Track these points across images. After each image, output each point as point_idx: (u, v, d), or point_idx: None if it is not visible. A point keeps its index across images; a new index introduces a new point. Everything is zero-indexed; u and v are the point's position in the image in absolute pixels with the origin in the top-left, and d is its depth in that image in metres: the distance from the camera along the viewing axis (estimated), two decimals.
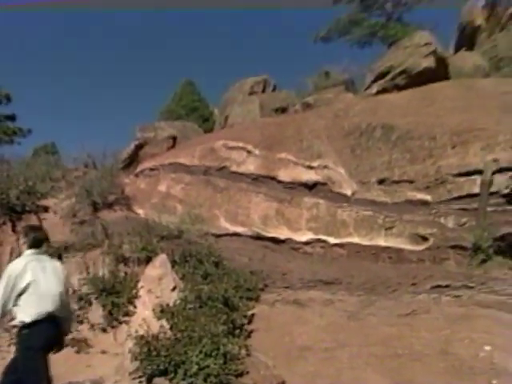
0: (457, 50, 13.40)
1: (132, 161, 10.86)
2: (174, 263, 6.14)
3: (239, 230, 7.75)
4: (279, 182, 8.25)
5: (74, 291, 5.90)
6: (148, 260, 6.22)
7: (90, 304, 5.97)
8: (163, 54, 76.68)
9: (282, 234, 7.62)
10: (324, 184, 7.96)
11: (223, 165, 8.74)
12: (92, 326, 5.68)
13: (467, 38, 13.46)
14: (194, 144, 9.90)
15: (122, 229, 6.89)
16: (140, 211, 8.89)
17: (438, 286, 5.51)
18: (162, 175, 9.35)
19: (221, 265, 6.42)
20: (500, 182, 6.28)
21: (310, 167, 8.14)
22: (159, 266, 5.81)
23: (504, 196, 6.24)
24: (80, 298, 5.98)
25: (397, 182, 7.56)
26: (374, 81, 10.24)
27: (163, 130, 11.23)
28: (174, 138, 11.10)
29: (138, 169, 10.33)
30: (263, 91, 13.11)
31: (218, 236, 7.60)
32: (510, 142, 6.71)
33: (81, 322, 5.72)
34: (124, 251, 6.33)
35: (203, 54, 75.54)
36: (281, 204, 7.98)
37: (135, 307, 5.61)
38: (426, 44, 10.06)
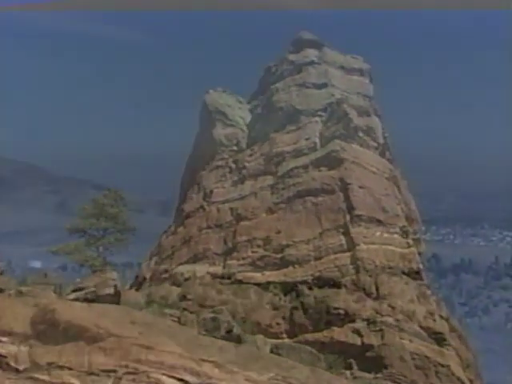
0: (130, 288, 19.09)
1: None
2: None
3: None
4: None
5: None
6: None
7: None
8: None
9: None
10: (5, 357, 9.70)
11: None
12: None
13: (138, 284, 19.54)
14: None
15: None
16: None
17: None
18: None
19: None
20: None
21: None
22: None
23: None
24: None
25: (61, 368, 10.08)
26: (75, 291, 13.69)
27: None
28: None
29: None
30: None
31: None
32: None
33: None
34: None
35: None
36: None
37: None
38: (113, 279, 14.73)
